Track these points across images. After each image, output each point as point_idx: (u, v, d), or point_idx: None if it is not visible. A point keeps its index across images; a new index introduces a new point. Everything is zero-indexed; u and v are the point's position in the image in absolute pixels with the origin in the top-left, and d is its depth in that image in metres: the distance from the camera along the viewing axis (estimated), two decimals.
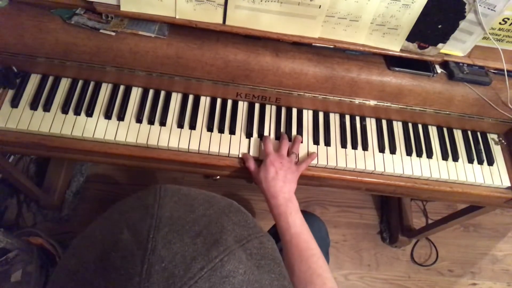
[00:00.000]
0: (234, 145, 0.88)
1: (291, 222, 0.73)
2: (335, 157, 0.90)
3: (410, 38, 0.84)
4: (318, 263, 0.68)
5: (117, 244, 0.32)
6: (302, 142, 0.90)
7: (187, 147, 0.86)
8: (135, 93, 0.90)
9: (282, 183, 0.78)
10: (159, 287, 0.29)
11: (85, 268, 0.32)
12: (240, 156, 0.87)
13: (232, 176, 0.91)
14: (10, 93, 0.86)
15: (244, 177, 0.91)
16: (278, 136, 0.90)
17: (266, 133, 0.90)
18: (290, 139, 0.90)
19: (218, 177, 1.37)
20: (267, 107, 0.94)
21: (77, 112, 0.86)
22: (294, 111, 0.94)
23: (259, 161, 0.85)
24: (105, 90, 0.90)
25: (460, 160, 0.95)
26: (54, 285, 0.34)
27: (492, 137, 1.00)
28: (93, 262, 0.32)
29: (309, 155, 0.89)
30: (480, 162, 0.95)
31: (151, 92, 0.91)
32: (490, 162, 0.96)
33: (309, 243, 0.71)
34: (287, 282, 0.36)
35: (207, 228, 0.34)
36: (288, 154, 0.85)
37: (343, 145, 0.92)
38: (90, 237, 0.36)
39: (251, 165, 0.84)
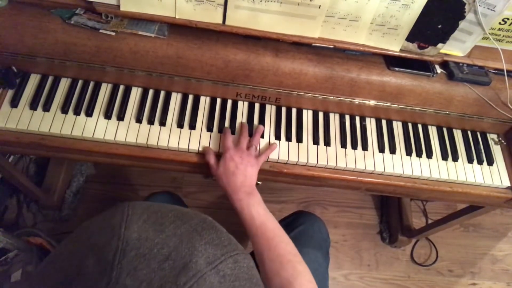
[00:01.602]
0: None
1: (255, 213, 0.72)
2: (335, 157, 0.90)
3: (410, 38, 0.84)
4: (287, 249, 0.68)
5: (81, 271, 0.30)
6: (301, 142, 0.90)
7: (187, 147, 0.86)
8: (135, 93, 0.90)
9: (243, 177, 0.77)
10: None
11: None
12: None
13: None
14: (10, 93, 0.86)
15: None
16: (277, 136, 0.90)
17: (266, 132, 0.90)
18: (290, 139, 0.90)
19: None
20: (267, 107, 0.94)
21: (76, 112, 0.86)
22: (294, 111, 0.94)
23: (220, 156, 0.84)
24: (105, 90, 0.90)
25: (460, 160, 0.95)
26: None
27: (492, 137, 1.00)
28: None
29: (269, 146, 0.88)
30: (480, 162, 0.95)
31: (151, 92, 0.91)
32: (490, 162, 0.96)
33: (275, 231, 0.71)
34: None
35: (176, 250, 0.32)
36: (248, 147, 0.84)
37: (343, 145, 0.92)
38: (55, 261, 0.34)
39: (211, 159, 0.82)
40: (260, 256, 0.68)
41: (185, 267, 0.30)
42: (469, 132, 0.99)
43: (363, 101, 0.91)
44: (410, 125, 0.97)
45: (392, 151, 0.93)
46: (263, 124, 0.91)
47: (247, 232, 0.73)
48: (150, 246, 0.31)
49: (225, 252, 0.34)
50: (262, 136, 0.90)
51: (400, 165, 0.92)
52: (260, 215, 0.73)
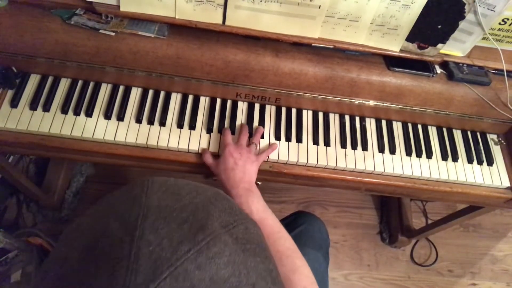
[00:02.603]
0: None
1: (254, 209, 0.72)
2: (334, 157, 0.90)
3: (410, 38, 0.84)
4: (286, 245, 0.68)
5: (105, 232, 0.33)
6: (301, 142, 0.90)
7: (186, 148, 0.86)
8: (135, 93, 0.90)
9: (242, 173, 0.77)
10: (146, 268, 0.29)
11: (74, 254, 0.33)
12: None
13: None
14: (10, 93, 0.86)
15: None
16: (277, 137, 0.90)
17: (266, 132, 0.90)
18: (290, 139, 0.90)
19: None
20: (267, 107, 0.94)
21: (76, 112, 0.86)
22: (294, 111, 0.94)
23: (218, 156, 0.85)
24: (104, 90, 0.90)
25: (459, 160, 0.95)
26: (45, 272, 0.35)
27: (491, 137, 1.00)
28: (82, 249, 0.33)
29: (270, 145, 0.88)
30: (480, 162, 0.95)
31: (150, 92, 0.91)
32: (490, 162, 0.96)
33: (274, 227, 0.71)
34: (272, 265, 0.37)
35: (193, 215, 0.34)
36: (248, 145, 0.84)
37: (343, 145, 0.92)
38: (79, 226, 0.36)
39: (208, 159, 0.83)
40: None
41: (202, 228, 0.33)
42: (469, 133, 0.99)
43: (363, 101, 0.91)
44: (410, 125, 0.97)
45: (392, 151, 0.93)
46: (263, 125, 0.91)
47: None
48: (169, 211, 0.34)
49: (237, 219, 0.37)
50: (262, 137, 0.90)
51: (400, 166, 0.92)
52: (259, 211, 0.73)
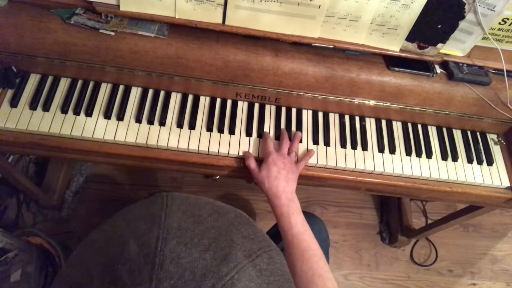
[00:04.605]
0: (234, 145, 0.88)
1: (293, 222, 0.73)
2: (334, 157, 0.90)
3: (410, 38, 0.84)
4: (320, 263, 0.68)
5: (123, 256, 0.31)
6: (301, 142, 0.90)
7: (186, 147, 0.86)
8: (135, 93, 0.90)
9: (285, 182, 0.78)
10: None
11: (89, 280, 0.31)
12: (239, 155, 0.87)
13: (231, 176, 0.91)
14: (10, 92, 0.86)
15: (243, 177, 0.91)
16: (277, 136, 0.90)
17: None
18: (290, 139, 0.90)
19: (218, 177, 1.37)
20: (267, 107, 0.94)
21: (76, 112, 0.86)
22: (294, 111, 0.94)
23: (259, 160, 0.85)
24: (104, 90, 0.89)
25: (459, 160, 0.95)
26: None
27: (491, 137, 1.00)
28: (97, 274, 0.31)
29: (307, 152, 0.89)
30: (480, 162, 0.95)
31: (150, 92, 0.91)
32: (490, 162, 0.96)
33: (311, 243, 0.71)
34: None
35: (216, 242, 0.33)
36: (288, 152, 0.85)
37: (343, 145, 0.92)
38: (94, 245, 0.35)
39: (252, 164, 0.84)
40: (291, 265, 0.69)
41: (225, 258, 0.31)
42: (468, 132, 0.99)
43: (363, 101, 0.91)
44: (409, 125, 0.97)
45: (392, 151, 0.93)
46: (263, 124, 0.91)
47: (283, 237, 0.74)
48: (191, 236, 0.32)
49: (261, 247, 0.35)
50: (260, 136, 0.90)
51: (399, 165, 0.92)
52: (298, 224, 0.73)
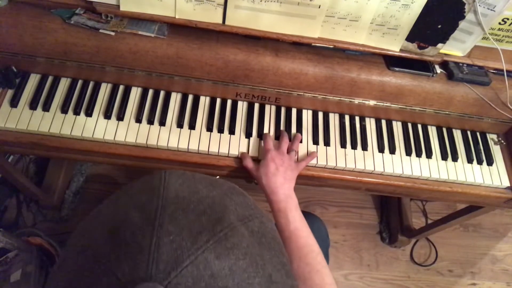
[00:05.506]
0: (234, 145, 0.88)
1: (291, 218, 0.73)
2: (334, 157, 0.90)
3: (410, 38, 0.84)
4: (317, 259, 0.68)
5: (126, 221, 0.34)
6: (301, 142, 0.90)
7: (186, 147, 0.86)
8: (135, 93, 0.90)
9: (283, 179, 0.79)
10: (168, 257, 0.30)
11: (94, 244, 0.33)
12: (239, 156, 0.87)
13: (231, 176, 0.91)
14: (10, 93, 0.86)
15: (243, 177, 0.91)
16: (277, 136, 0.90)
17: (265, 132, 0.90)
18: (290, 139, 0.90)
19: (218, 177, 1.37)
20: (267, 107, 0.94)
21: (76, 112, 0.86)
22: (294, 111, 0.94)
23: (258, 161, 0.85)
24: (104, 90, 0.89)
25: (459, 160, 0.95)
26: (64, 264, 0.35)
27: (491, 137, 1.00)
28: (102, 238, 0.33)
29: (309, 153, 0.89)
30: (480, 162, 0.95)
31: (150, 92, 0.91)
32: (490, 162, 0.96)
33: (308, 239, 0.71)
34: (285, 259, 0.38)
35: (211, 208, 0.35)
36: (288, 151, 0.85)
37: (343, 145, 0.92)
38: (98, 217, 0.37)
39: (249, 163, 0.84)
40: (289, 261, 0.68)
41: (219, 220, 0.34)
42: (468, 132, 0.99)
43: (363, 101, 0.91)
44: (409, 125, 0.97)
45: (392, 151, 0.93)
46: (263, 124, 0.91)
47: (280, 234, 0.73)
48: (187, 203, 0.35)
49: (252, 213, 0.38)
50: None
51: (399, 165, 0.92)
52: (296, 220, 0.73)
